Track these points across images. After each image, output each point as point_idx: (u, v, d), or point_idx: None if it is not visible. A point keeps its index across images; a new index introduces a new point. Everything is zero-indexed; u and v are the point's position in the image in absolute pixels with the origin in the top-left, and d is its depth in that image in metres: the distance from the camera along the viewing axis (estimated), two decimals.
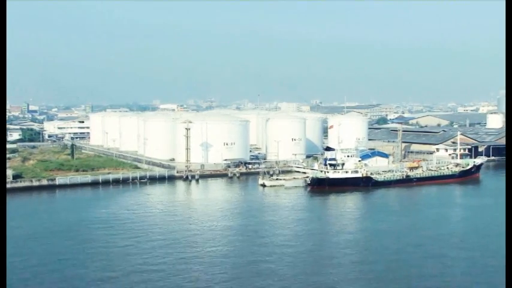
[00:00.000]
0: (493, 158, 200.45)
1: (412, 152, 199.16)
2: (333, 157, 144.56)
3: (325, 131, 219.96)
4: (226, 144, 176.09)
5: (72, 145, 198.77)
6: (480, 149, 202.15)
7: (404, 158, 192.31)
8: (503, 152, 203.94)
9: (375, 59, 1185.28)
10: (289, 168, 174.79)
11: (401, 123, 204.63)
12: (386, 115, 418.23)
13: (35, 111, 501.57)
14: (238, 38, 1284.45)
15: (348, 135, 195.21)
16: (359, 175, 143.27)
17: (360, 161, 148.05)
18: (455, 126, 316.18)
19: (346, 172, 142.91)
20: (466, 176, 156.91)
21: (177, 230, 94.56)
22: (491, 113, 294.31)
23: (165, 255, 78.61)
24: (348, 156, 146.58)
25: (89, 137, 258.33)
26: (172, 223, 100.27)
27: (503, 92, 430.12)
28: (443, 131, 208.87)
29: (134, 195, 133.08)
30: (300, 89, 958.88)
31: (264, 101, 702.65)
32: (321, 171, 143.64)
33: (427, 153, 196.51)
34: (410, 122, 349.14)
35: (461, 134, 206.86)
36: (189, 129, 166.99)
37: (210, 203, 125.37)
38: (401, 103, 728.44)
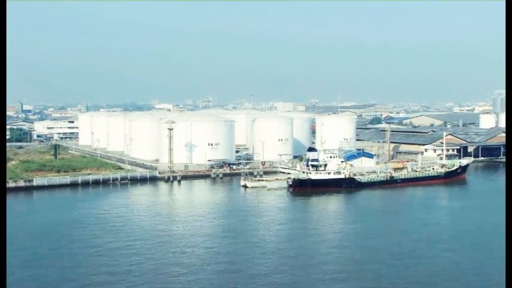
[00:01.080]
0: (482, 158, 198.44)
1: (400, 152, 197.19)
2: (315, 158, 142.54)
3: (314, 131, 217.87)
4: (211, 144, 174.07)
5: (56, 145, 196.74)
6: (469, 150, 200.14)
7: (393, 158, 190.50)
8: (492, 153, 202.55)
9: (374, 58, 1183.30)
10: (274, 169, 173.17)
11: (389, 123, 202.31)
12: (381, 115, 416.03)
13: (29, 111, 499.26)
14: (236, 38, 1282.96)
15: (334, 135, 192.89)
16: (342, 176, 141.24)
17: (342, 162, 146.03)
18: (449, 126, 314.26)
19: (329, 173, 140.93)
20: (452, 177, 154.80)
21: (146, 233, 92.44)
22: (484, 113, 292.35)
23: (125, 259, 76.66)
24: (331, 157, 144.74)
25: (78, 137, 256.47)
26: (144, 225, 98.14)
27: (498, 91, 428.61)
28: (433, 131, 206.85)
29: (111, 196, 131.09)
30: (298, 89, 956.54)
31: (260, 101, 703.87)
32: (303, 172, 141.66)
33: (416, 154, 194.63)
34: (404, 122, 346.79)
35: (450, 135, 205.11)
36: (172, 129, 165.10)
37: (186, 205, 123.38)
38: (400, 103, 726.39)
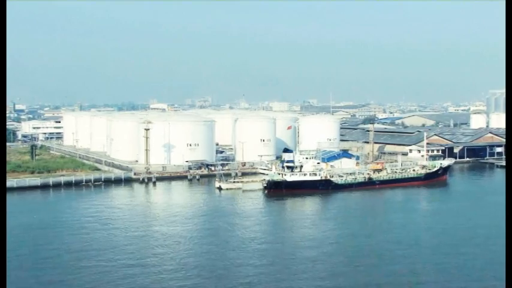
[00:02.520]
0: (467, 159, 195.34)
1: (384, 153, 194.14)
2: (291, 159, 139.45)
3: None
4: (190, 145, 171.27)
5: (32, 146, 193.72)
6: (455, 150, 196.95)
7: (377, 159, 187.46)
8: (478, 153, 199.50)
9: (374, 58, 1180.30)
10: (254, 170, 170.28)
11: (373, 123, 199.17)
12: (375, 115, 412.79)
13: (21, 111, 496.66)
14: (235, 39, 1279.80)
15: (317, 136, 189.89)
16: (318, 178, 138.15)
17: (319, 163, 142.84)
18: (440, 126, 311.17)
19: (304, 175, 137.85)
20: (432, 179, 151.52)
21: (99, 237, 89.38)
22: (475, 113, 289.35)
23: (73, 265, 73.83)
24: (307, 158, 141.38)
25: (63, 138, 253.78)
26: (100, 230, 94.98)
27: (492, 91, 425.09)
28: (418, 131, 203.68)
29: (80, 199, 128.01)
30: (297, 89, 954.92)
31: (257, 101, 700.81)
32: (278, 174, 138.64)
33: (402, 155, 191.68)
34: (396, 122, 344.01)
35: (436, 135, 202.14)
36: (148, 129, 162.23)
37: (153, 207, 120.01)
38: (399, 103, 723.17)
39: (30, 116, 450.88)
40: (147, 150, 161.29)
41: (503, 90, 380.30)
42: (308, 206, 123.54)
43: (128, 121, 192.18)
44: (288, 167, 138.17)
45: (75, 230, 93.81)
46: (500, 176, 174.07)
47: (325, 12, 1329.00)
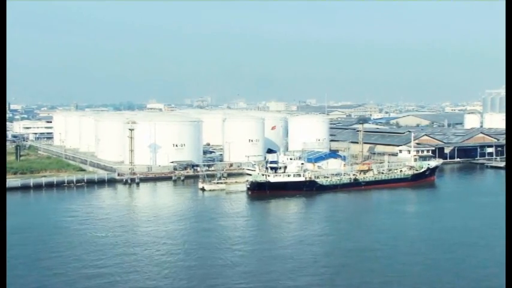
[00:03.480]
0: (458, 159, 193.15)
1: (374, 153, 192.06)
2: (274, 160, 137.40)
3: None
4: (176, 145, 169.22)
5: (17, 146, 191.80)
6: (446, 151, 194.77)
7: (367, 159, 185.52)
8: (469, 154, 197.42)
9: (374, 58, 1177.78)
10: (241, 171, 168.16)
11: (362, 123, 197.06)
12: (370, 115, 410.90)
13: (16, 111, 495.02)
14: (234, 39, 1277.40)
15: (306, 136, 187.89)
16: (302, 179, 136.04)
17: (303, 164, 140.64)
18: (435, 126, 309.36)
19: (288, 176, 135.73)
20: (419, 180, 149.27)
21: (62, 240, 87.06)
22: (469, 113, 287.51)
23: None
24: (291, 159, 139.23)
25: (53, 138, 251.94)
26: (73, 233, 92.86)
27: (488, 91, 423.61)
28: (409, 131, 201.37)
29: (58, 201, 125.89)
30: (295, 88, 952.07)
31: (255, 100, 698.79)
32: (262, 175, 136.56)
33: (391, 155, 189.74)
34: (391, 122, 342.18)
35: (426, 135, 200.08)
36: (133, 130, 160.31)
37: (128, 210, 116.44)
38: (397, 102, 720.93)
39: (25, 116, 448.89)
40: (131, 150, 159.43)
41: (499, 90, 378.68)
42: (289, 208, 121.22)
43: (114, 121, 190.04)
44: (272, 168, 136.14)
45: (44, 235, 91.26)
46: (490, 176, 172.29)
47: (325, 12, 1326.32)
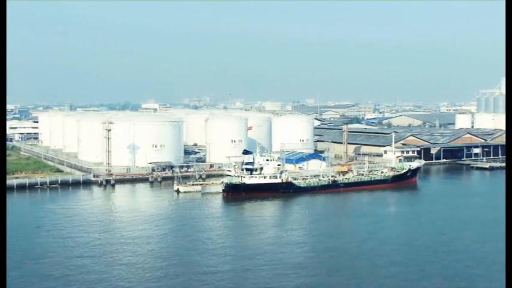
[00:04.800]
0: (444, 160, 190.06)
1: (359, 154, 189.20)
2: (250, 161, 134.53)
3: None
4: (155, 146, 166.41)
5: None
6: (432, 151, 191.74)
7: (352, 160, 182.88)
8: (456, 154, 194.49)
9: (373, 58, 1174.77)
10: (221, 172, 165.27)
11: (347, 123, 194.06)
12: (364, 115, 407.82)
13: (10, 111, 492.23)
14: (232, 39, 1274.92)
15: (290, 136, 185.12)
16: (278, 180, 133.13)
17: (279, 165, 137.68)
18: (427, 126, 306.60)
19: (264, 177, 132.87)
20: (400, 181, 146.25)
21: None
22: (460, 113, 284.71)
23: None
24: (267, 160, 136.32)
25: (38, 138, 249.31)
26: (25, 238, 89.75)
27: (482, 91, 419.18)
28: (395, 132, 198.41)
29: (25, 203, 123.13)
30: (294, 88, 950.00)
31: (253, 100, 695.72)
32: (237, 177, 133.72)
33: (376, 155, 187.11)
34: (384, 122, 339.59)
35: (413, 136, 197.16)
36: (110, 130, 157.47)
37: (93, 212, 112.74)
38: (396, 102, 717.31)
39: (18, 116, 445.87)
40: (108, 151, 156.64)
41: (493, 90, 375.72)
42: (261, 211, 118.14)
43: (95, 122, 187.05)
44: (247, 169, 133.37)
45: None
46: (475, 178, 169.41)
47: (325, 12, 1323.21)
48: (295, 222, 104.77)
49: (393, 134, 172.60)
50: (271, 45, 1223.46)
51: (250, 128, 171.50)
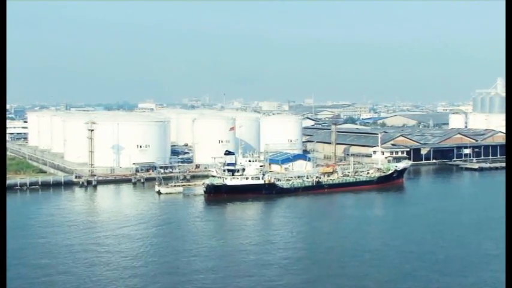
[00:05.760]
0: (433, 161, 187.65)
1: (349, 154, 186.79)
2: (232, 162, 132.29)
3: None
4: (140, 146, 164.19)
5: None
6: (422, 152, 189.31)
7: (341, 160, 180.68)
8: (446, 155, 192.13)
9: (372, 58, 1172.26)
10: (207, 173, 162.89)
11: (335, 124, 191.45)
12: (360, 114, 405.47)
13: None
14: (232, 39, 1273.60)
15: (278, 136, 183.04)
16: (261, 182, 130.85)
17: (262, 166, 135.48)
18: (421, 126, 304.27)
19: (246, 178, 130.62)
20: (386, 182, 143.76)
21: None
22: (454, 113, 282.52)
23: None
24: (250, 161, 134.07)
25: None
26: None
27: (478, 91, 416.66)
28: (385, 132, 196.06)
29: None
30: (293, 88, 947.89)
31: (249, 100, 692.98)
32: (219, 178, 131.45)
33: (365, 156, 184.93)
34: (379, 122, 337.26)
35: (403, 136, 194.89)
36: (93, 130, 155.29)
37: (67, 214, 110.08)
38: (395, 102, 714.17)
39: (13, 115, 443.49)
40: (91, 151, 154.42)
41: (489, 90, 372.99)
42: (239, 213, 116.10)
43: (79, 122, 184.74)
44: (229, 170, 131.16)
45: None
46: (465, 179, 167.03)
47: (325, 12, 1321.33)
48: (271, 226, 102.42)
49: (379, 135, 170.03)
50: (270, 45, 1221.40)
51: (232, 129, 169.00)
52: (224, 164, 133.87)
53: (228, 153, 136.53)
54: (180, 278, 68.82)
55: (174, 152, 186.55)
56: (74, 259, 76.58)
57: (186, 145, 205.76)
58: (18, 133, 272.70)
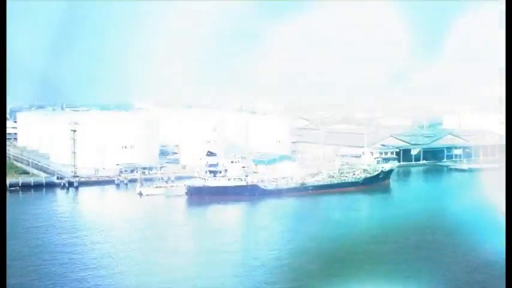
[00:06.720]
0: (423, 162, 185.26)
1: (338, 155, 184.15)
2: (214, 163, 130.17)
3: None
4: (125, 147, 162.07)
5: None
6: (412, 152, 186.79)
7: (330, 161, 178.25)
8: (436, 156, 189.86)
9: (372, 58, 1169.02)
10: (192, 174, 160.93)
11: (325, 124, 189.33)
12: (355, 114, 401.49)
13: None
14: (230, 38, 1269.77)
15: (264, 137, 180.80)
16: (243, 183, 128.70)
17: (244, 167, 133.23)
18: (416, 127, 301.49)
19: (229, 179, 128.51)
20: (372, 184, 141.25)
21: None
22: (447, 113, 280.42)
23: None
24: (232, 162, 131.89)
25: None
26: None
27: (476, 91, 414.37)
28: (376, 132, 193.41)
29: None
30: (292, 88, 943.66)
31: (249, 100, 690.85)
32: (202, 179, 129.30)
33: (355, 156, 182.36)
34: (374, 122, 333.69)
35: (392, 136, 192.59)
36: (75, 130, 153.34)
37: (40, 216, 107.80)
38: (391, 102, 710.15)
39: (8, 116, 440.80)
40: (73, 152, 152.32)
41: (485, 90, 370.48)
42: (216, 216, 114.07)
43: (64, 122, 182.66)
44: (211, 172, 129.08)
45: None
46: (454, 180, 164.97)
47: (324, 12, 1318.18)
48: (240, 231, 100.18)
49: (365, 136, 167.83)
50: (270, 45, 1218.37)
51: (215, 130, 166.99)
52: (206, 165, 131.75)
53: (210, 154, 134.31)
54: None
55: (163, 153, 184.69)
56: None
57: (176, 146, 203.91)
58: (8, 133, 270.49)
